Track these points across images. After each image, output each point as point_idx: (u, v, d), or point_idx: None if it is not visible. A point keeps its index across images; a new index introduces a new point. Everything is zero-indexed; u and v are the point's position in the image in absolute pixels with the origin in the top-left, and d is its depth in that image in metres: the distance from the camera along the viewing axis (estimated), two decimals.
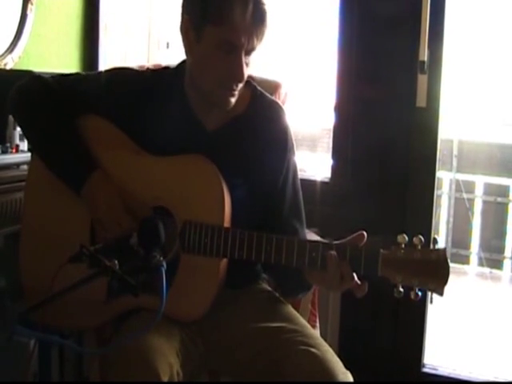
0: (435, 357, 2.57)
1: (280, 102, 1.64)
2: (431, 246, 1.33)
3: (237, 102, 1.49)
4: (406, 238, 1.33)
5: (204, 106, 1.52)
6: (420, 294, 1.32)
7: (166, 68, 1.64)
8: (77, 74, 1.62)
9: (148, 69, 1.66)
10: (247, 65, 1.43)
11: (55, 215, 1.57)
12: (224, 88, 1.44)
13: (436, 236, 1.35)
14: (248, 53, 1.42)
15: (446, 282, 1.30)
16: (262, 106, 1.58)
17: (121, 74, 1.61)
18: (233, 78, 1.43)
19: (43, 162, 1.56)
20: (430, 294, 1.33)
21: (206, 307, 1.46)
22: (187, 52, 1.48)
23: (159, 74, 1.60)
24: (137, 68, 1.70)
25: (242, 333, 1.51)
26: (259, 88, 1.60)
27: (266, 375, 1.44)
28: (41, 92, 1.57)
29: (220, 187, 1.45)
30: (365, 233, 1.37)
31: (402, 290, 1.32)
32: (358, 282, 1.35)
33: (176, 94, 1.54)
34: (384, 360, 2.42)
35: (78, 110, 1.56)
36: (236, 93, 1.46)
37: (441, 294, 1.31)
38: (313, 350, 1.39)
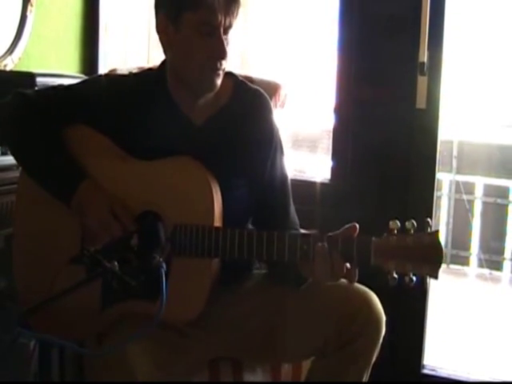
0: (435, 358, 2.57)
1: (262, 90, 1.64)
2: (425, 230, 1.32)
3: (220, 92, 1.52)
4: (399, 223, 1.32)
5: (189, 100, 1.53)
6: (414, 279, 1.31)
7: (149, 69, 1.66)
8: (59, 85, 1.63)
9: (130, 72, 1.67)
10: (227, 43, 1.46)
11: (46, 226, 1.56)
12: (209, 69, 1.46)
13: (429, 219, 1.34)
14: (226, 31, 1.45)
15: (439, 264, 1.29)
16: (245, 95, 1.60)
17: (104, 81, 1.61)
18: (216, 57, 1.45)
19: (31, 177, 1.55)
20: (426, 279, 1.31)
21: (199, 309, 1.46)
22: (167, 48, 1.50)
23: (142, 76, 1.62)
24: (120, 73, 1.72)
25: (240, 312, 1.56)
26: (240, 78, 1.62)
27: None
28: (24, 108, 1.56)
29: (208, 187, 1.45)
30: (357, 224, 1.37)
31: (396, 276, 1.31)
32: (348, 266, 1.35)
33: (160, 93, 1.55)
34: (383, 361, 2.41)
35: (63, 121, 1.56)
36: (220, 73, 1.48)
37: (435, 277, 1.30)
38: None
